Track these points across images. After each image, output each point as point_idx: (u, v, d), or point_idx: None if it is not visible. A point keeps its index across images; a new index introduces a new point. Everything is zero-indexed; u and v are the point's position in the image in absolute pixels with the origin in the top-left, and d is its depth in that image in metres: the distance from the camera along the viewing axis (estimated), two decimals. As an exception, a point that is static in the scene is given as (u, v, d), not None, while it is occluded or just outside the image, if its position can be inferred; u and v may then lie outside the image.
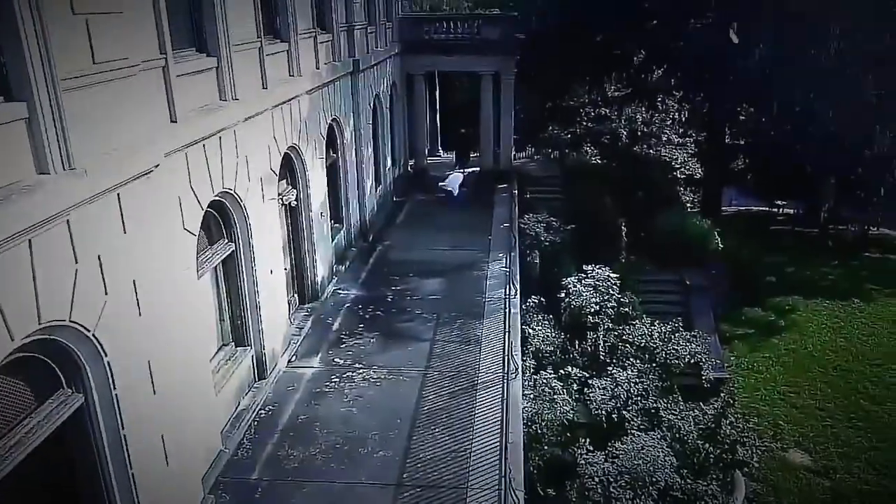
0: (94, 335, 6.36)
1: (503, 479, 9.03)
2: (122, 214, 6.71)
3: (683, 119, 30.52)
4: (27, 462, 5.88)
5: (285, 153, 12.68)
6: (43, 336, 5.95)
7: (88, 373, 6.51)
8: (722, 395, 14.15)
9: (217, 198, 9.76)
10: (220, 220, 10.37)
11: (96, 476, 6.91)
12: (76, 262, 6.07)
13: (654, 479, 10.69)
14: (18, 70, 5.51)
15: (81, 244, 6.11)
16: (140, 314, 7.05)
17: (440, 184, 18.62)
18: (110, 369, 6.61)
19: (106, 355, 6.54)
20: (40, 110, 5.66)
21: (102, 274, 6.42)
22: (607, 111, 30.76)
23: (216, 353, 10.48)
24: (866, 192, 28.54)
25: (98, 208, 6.34)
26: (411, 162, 26.54)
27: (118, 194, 6.64)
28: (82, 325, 6.21)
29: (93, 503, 6.97)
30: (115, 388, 6.70)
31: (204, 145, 9.09)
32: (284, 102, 12.39)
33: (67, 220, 5.94)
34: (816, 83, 24.85)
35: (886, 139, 26.10)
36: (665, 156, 28.57)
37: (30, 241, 5.52)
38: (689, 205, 26.96)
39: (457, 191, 18.63)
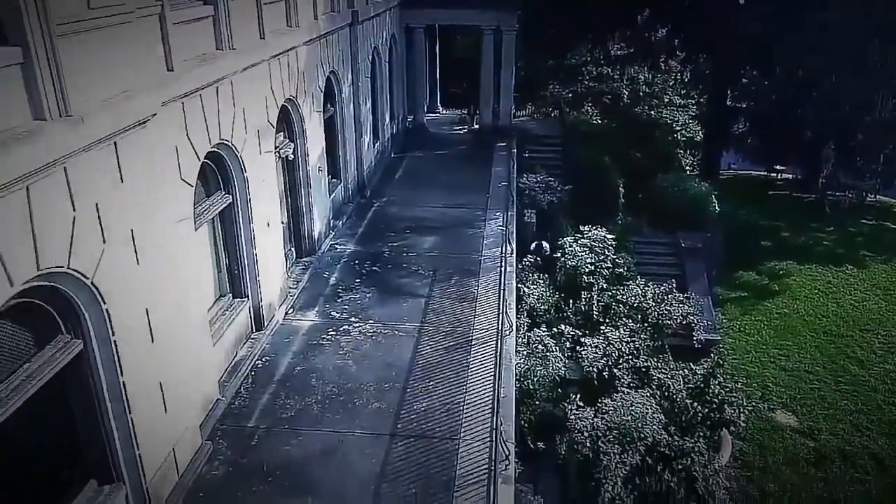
0: (92, 282, 6.41)
1: (494, 431, 9.23)
2: (118, 163, 6.71)
3: (686, 80, 30.27)
4: (28, 407, 5.99)
5: (282, 105, 12.56)
6: (42, 282, 6.01)
7: (87, 319, 6.59)
8: (712, 355, 14.32)
9: (214, 149, 9.71)
10: (217, 171, 10.33)
11: (96, 421, 7.05)
12: (74, 210, 6.09)
13: (641, 435, 10.91)
14: (12, 14, 5.43)
15: (79, 192, 6.12)
16: (138, 263, 7.10)
17: None
18: (108, 316, 6.69)
19: (104, 302, 6.61)
20: (35, 55, 5.60)
21: (100, 222, 6.45)
22: (609, 70, 30.49)
23: (213, 303, 10.57)
24: (865, 159, 28.46)
25: (95, 156, 6.33)
26: (410, 118, 26.29)
27: (115, 143, 6.62)
28: (81, 273, 6.26)
29: (93, 448, 7.13)
30: (113, 335, 6.80)
31: (201, 95, 9.00)
32: (282, 53, 12.22)
33: (65, 168, 5.94)
34: (820, 48, 24.55)
35: (888, 107, 25.92)
36: (666, 117, 28.45)
37: (27, 188, 5.53)
38: (688, 167, 26.91)
39: None
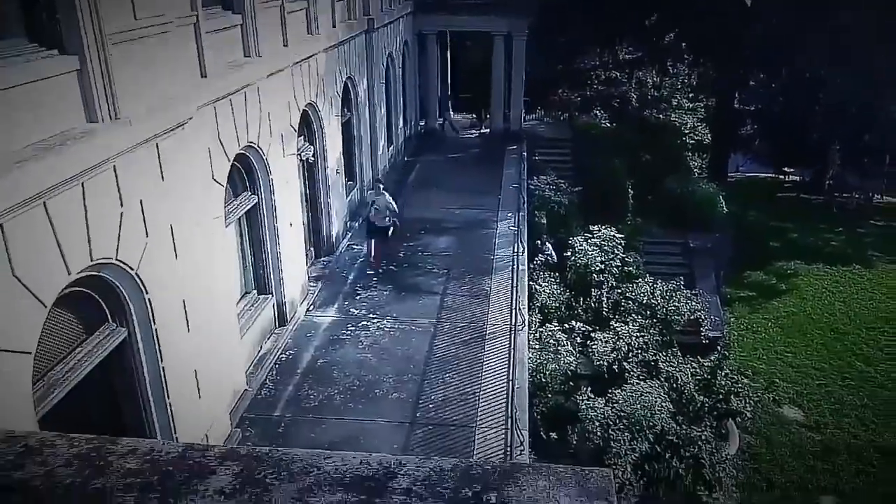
0: (136, 273, 6.87)
1: (509, 419, 9.62)
2: (160, 163, 7.18)
3: (693, 84, 30.59)
4: (77, 391, 6.43)
5: (303, 110, 13.04)
6: (92, 272, 6.47)
7: (131, 308, 7.04)
8: (719, 349, 14.66)
9: (242, 151, 10.18)
10: (244, 173, 10.80)
11: (138, 407, 7.49)
12: (122, 206, 6.56)
13: (650, 424, 11.28)
14: (71, 26, 5.92)
15: (126, 189, 6.59)
16: (176, 257, 7.56)
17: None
18: (151, 306, 7.14)
19: (147, 292, 7.06)
20: (90, 63, 6.08)
21: (144, 217, 6.92)
22: (618, 74, 30.86)
23: (241, 298, 11.02)
24: (872, 160, 28.69)
25: (140, 156, 6.81)
26: (422, 122, 26.78)
27: (157, 144, 7.09)
28: (127, 264, 6.72)
29: (136, 428, 7.58)
30: (154, 324, 7.24)
31: (230, 100, 9.47)
32: (303, 60, 12.70)
33: (114, 166, 6.41)
34: (827, 50, 24.82)
35: (894, 108, 26.14)
36: (674, 120, 28.80)
37: (83, 184, 6.00)
38: (696, 170, 27.22)
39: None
